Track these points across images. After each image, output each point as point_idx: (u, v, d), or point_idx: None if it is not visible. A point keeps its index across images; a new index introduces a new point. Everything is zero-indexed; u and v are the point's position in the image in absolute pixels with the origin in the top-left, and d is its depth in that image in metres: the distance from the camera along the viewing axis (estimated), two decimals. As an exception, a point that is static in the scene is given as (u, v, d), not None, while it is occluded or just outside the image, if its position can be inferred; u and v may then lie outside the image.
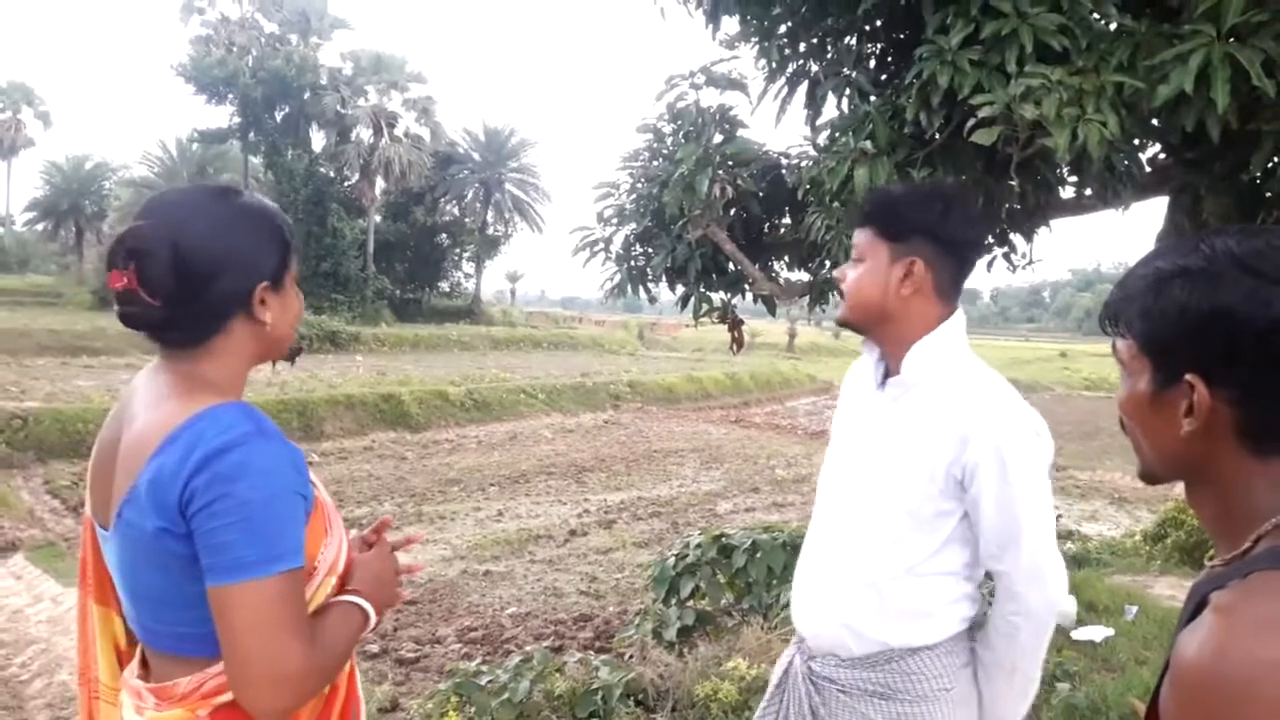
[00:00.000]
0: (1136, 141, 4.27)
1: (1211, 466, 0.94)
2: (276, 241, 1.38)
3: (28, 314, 26.44)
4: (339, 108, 40.76)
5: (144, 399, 1.33)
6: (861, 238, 1.91)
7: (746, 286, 5.01)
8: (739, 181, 4.53)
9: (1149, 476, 1.03)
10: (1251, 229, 0.93)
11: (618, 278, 5.12)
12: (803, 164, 4.35)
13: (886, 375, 1.94)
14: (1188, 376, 0.91)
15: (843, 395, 2.12)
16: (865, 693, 1.87)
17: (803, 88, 4.64)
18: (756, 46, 4.54)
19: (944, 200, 1.90)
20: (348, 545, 1.42)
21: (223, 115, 41.69)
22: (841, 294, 1.94)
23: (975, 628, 1.93)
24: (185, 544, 1.20)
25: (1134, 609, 5.59)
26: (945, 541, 1.83)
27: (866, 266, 1.88)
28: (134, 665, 1.36)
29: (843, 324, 1.97)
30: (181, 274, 1.28)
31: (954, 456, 1.78)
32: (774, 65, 4.54)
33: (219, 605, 1.19)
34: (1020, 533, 1.77)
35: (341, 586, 1.42)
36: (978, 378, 1.86)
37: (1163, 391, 0.94)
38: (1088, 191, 4.68)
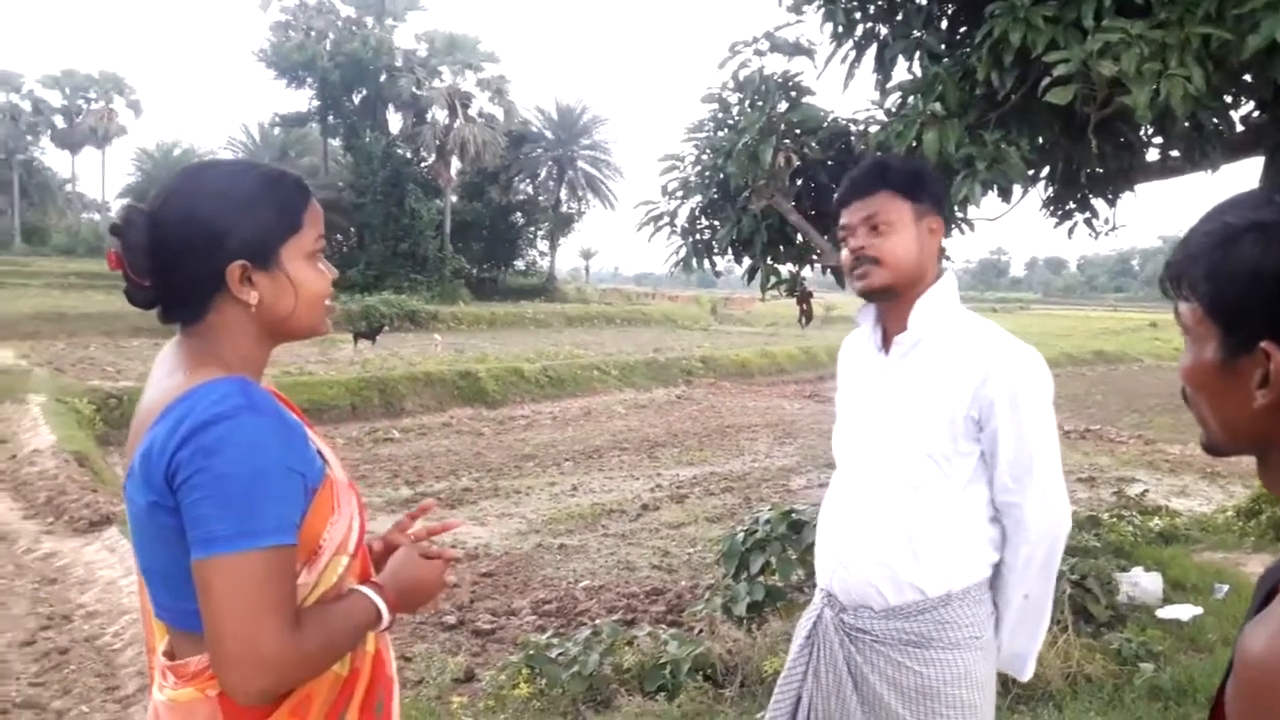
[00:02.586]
0: (1227, 99, 4.05)
1: None
2: (261, 216, 1.29)
3: (122, 297, 27.37)
4: (414, 89, 41.31)
5: (159, 372, 1.33)
6: (882, 203, 1.94)
7: (814, 257, 4.92)
8: (805, 150, 4.43)
9: (1215, 450, 0.94)
10: None
11: (683, 251, 5.07)
12: (870, 129, 4.24)
13: (884, 339, 2.03)
14: (1262, 344, 0.82)
15: (842, 370, 2.20)
16: (900, 642, 1.94)
17: (871, 51, 4.52)
18: (822, 9, 4.42)
19: (933, 171, 2.10)
20: (361, 523, 1.37)
21: (302, 99, 42.78)
22: (864, 261, 1.95)
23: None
24: (175, 517, 1.18)
25: (1224, 587, 5.37)
26: (968, 481, 1.92)
27: (901, 229, 1.94)
28: (165, 642, 1.35)
29: (880, 291, 1.98)
30: (154, 253, 1.26)
31: (971, 396, 1.88)
32: (841, 28, 4.43)
33: (197, 580, 1.16)
34: (1034, 463, 1.88)
35: (364, 569, 1.38)
36: (981, 324, 1.98)
37: (1233, 360, 0.85)
38: (1174, 153, 4.47)
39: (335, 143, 43.80)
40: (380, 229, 38.10)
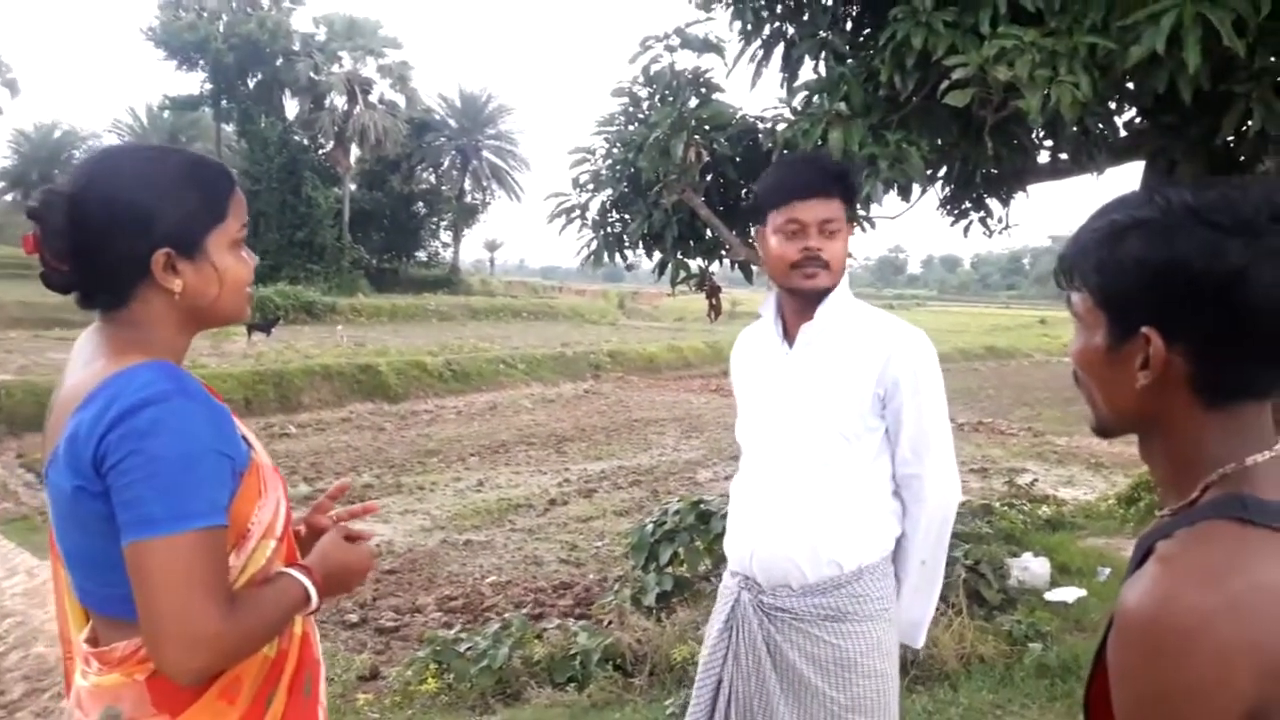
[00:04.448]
0: (1112, 106, 4.26)
1: (1165, 419, 0.93)
2: (187, 204, 1.29)
3: (-1, 286, 26.05)
4: (312, 74, 40.17)
5: (78, 359, 1.31)
6: (836, 209, 2.04)
7: (723, 253, 4.99)
8: (715, 146, 4.49)
9: (1102, 430, 1.02)
10: (1207, 181, 0.92)
11: (594, 245, 5.08)
12: (778, 127, 4.32)
13: (785, 330, 2.15)
14: (1143, 329, 0.90)
15: (742, 363, 2.29)
16: (818, 617, 2.04)
17: (779, 50, 4.60)
18: (732, 8, 4.49)
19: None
20: (286, 507, 1.39)
21: (194, 82, 41.16)
22: (816, 263, 2.04)
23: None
24: (103, 502, 1.19)
25: (1106, 570, 5.67)
26: (874, 457, 2.08)
27: (843, 237, 2.06)
28: (87, 629, 1.34)
29: (822, 293, 2.07)
30: (75, 239, 1.25)
31: (877, 375, 2.03)
32: (750, 27, 4.50)
33: (131, 562, 1.17)
34: (931, 437, 2.06)
35: (291, 553, 1.40)
36: (875, 312, 2.15)
37: (1119, 345, 0.93)
38: (1063, 156, 4.68)
39: (229, 128, 42.27)
40: (276, 217, 36.88)
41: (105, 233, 1.25)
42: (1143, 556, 0.88)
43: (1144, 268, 0.89)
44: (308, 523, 1.56)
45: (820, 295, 2.07)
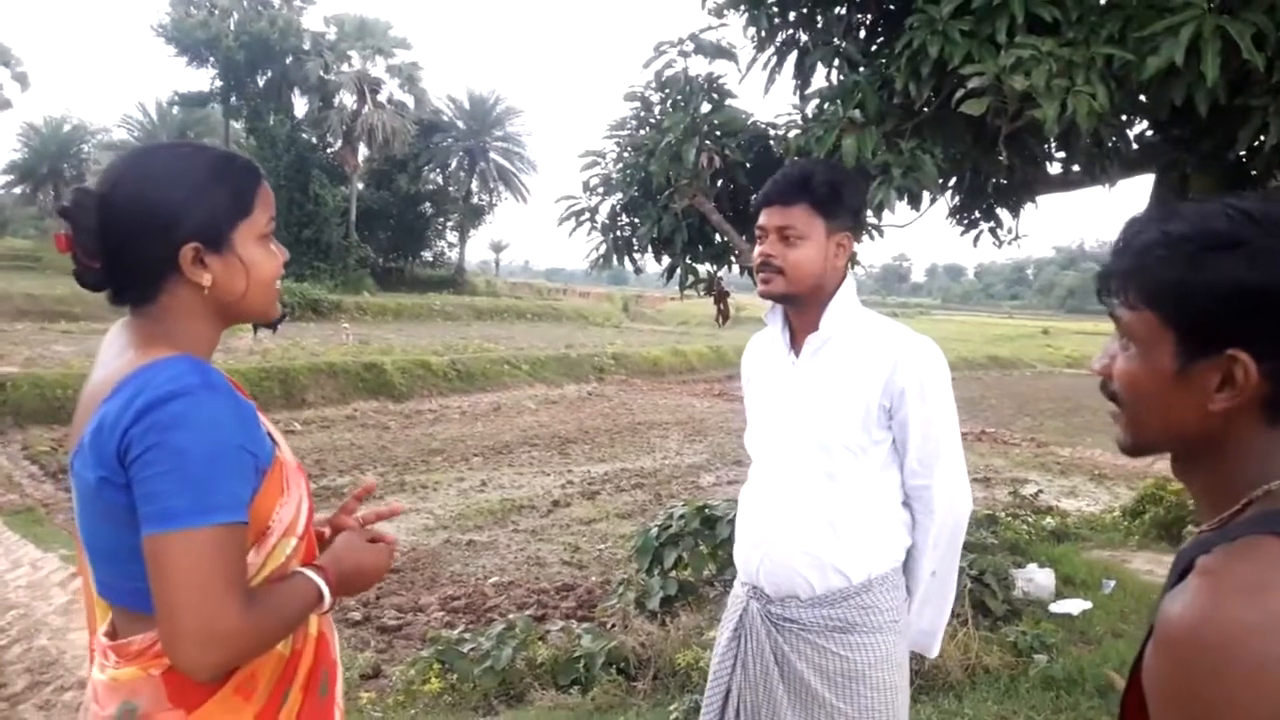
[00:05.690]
0: (1125, 118, 4.26)
1: (1225, 437, 0.91)
2: (213, 199, 1.30)
3: (5, 278, 25.96)
4: (322, 73, 40.18)
5: (108, 352, 1.32)
6: (799, 216, 2.02)
7: (733, 258, 4.99)
8: (726, 151, 4.49)
9: (1138, 450, 0.99)
10: (1261, 195, 0.90)
11: (603, 248, 5.08)
12: (790, 134, 4.32)
13: (792, 339, 2.13)
14: (1230, 351, 0.87)
15: (750, 371, 2.28)
16: (826, 628, 2.02)
17: (792, 57, 4.61)
18: (746, 15, 4.49)
19: (858, 182, 2.16)
20: (309, 505, 1.38)
21: (204, 78, 41.18)
22: (770, 269, 2.05)
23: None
24: (125, 494, 1.18)
25: (1111, 582, 5.65)
26: (882, 468, 2.05)
27: (809, 243, 2.02)
28: (107, 622, 1.34)
29: (779, 298, 2.08)
30: (104, 236, 1.26)
31: (883, 386, 2.00)
32: (763, 34, 4.50)
33: (150, 555, 1.17)
34: (940, 448, 2.02)
35: (311, 552, 1.39)
36: (882, 320, 2.11)
37: (1189, 365, 0.90)
38: (1075, 167, 4.68)
39: (237, 125, 42.33)
40: (283, 215, 36.71)
41: (134, 229, 1.26)
42: (1183, 570, 0.87)
43: (1242, 291, 0.86)
44: (332, 524, 1.56)
45: (784, 301, 2.08)
